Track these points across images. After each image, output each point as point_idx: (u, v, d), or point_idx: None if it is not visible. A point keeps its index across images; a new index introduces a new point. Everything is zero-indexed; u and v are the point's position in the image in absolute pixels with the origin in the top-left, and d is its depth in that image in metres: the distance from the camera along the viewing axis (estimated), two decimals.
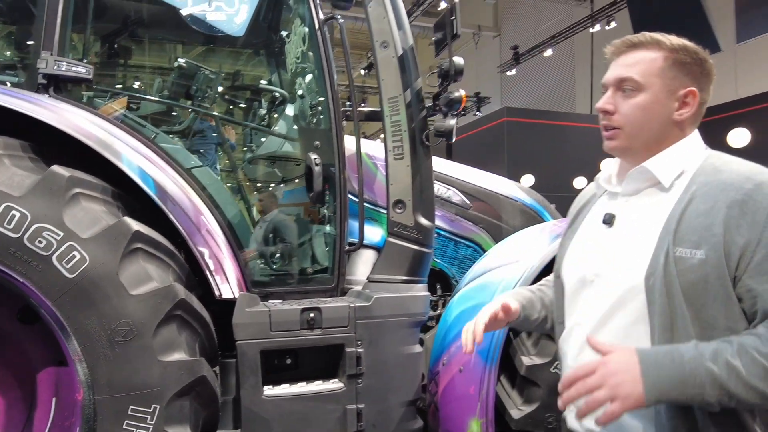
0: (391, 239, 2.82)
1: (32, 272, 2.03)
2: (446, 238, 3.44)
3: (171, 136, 3.05)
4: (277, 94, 3.55)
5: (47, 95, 2.46)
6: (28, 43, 2.69)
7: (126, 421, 2.10)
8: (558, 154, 12.76)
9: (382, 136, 2.87)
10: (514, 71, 19.27)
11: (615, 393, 1.19)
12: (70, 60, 2.53)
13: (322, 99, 2.98)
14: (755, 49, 12.91)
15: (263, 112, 3.63)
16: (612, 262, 1.41)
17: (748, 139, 10.47)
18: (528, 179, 12.05)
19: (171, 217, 2.43)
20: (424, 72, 2.94)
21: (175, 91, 3.30)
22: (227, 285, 2.53)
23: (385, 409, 2.65)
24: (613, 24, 14.85)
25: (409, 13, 15.09)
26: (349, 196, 2.88)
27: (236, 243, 2.63)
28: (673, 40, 1.41)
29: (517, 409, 2.63)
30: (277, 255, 3.00)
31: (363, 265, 2.92)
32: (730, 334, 1.24)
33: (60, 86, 2.51)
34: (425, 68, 3.11)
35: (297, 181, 3.22)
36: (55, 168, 2.11)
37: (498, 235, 3.47)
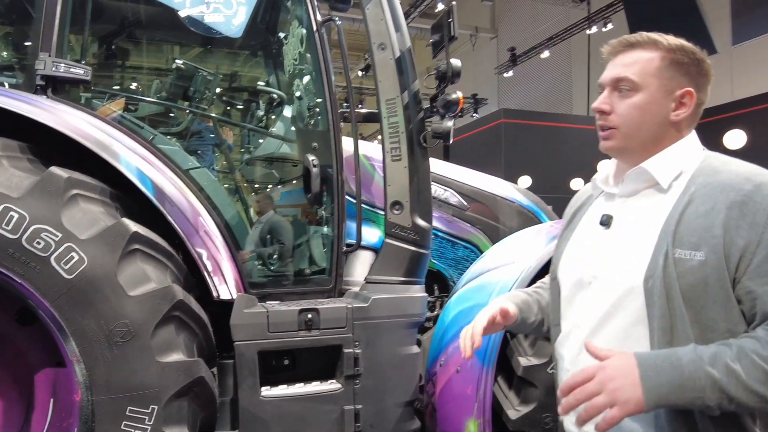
0: (388, 240, 2.82)
1: (30, 273, 2.03)
2: (443, 239, 3.45)
3: (169, 137, 3.05)
4: (274, 96, 3.55)
5: (45, 96, 2.46)
6: (26, 44, 2.69)
7: (124, 422, 2.10)
8: (555, 156, 12.77)
9: (379, 137, 2.88)
10: (511, 73, 19.31)
11: (614, 398, 1.17)
12: (68, 61, 2.53)
13: (319, 100, 2.99)
14: (751, 51, 12.96)
15: (261, 113, 3.63)
16: (609, 264, 1.40)
17: (744, 141, 10.51)
18: (525, 181, 12.07)
19: (169, 218, 2.43)
20: (422, 73, 2.95)
21: (173, 92, 3.30)
22: (225, 286, 2.54)
23: (383, 410, 2.65)
24: (609, 26, 14.90)
25: (407, 15, 15.11)
26: (347, 197, 2.89)
27: (234, 244, 2.63)
28: (671, 39, 1.40)
29: (514, 410, 2.64)
30: (275, 256, 3.01)
31: (360, 266, 2.93)
32: (729, 336, 1.23)
33: (58, 87, 2.51)
34: (422, 70, 3.12)
35: (295, 182, 3.23)
36: (54, 169, 2.11)
37: (495, 237, 3.48)
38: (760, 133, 10.36)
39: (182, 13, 2.90)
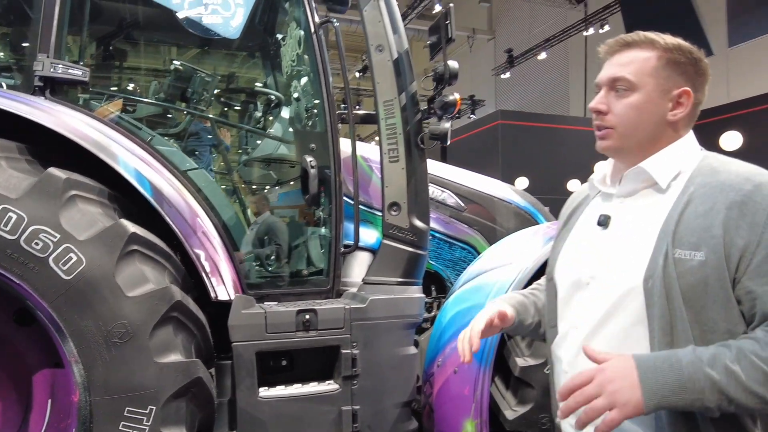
0: (386, 241, 2.83)
1: (29, 274, 2.04)
2: (441, 240, 3.45)
3: (167, 138, 3.05)
4: (272, 97, 3.56)
5: (43, 97, 2.46)
6: (25, 45, 2.69)
7: (122, 423, 2.10)
8: (552, 157, 12.80)
9: (377, 138, 2.89)
10: (508, 74, 19.34)
11: (613, 400, 1.16)
12: (66, 62, 2.53)
13: (317, 102, 3.00)
14: (747, 52, 13.01)
15: (259, 114, 3.64)
16: (607, 264, 1.39)
17: (740, 143, 10.54)
18: (522, 182, 12.09)
19: (167, 219, 2.44)
20: (419, 75, 2.96)
21: (171, 93, 3.30)
22: (223, 287, 2.54)
23: (380, 411, 2.66)
24: (606, 27, 14.93)
25: (404, 16, 15.12)
26: (345, 198, 2.90)
27: (232, 245, 2.64)
28: (667, 39, 1.39)
29: (512, 410, 2.65)
30: (273, 257, 3.01)
31: (358, 267, 2.94)
32: (729, 337, 1.22)
33: (56, 88, 2.52)
34: (420, 71, 3.13)
35: (292, 183, 3.23)
36: (52, 170, 2.12)
37: (492, 238, 3.49)
38: (756, 135, 10.40)
39: (180, 15, 2.90)
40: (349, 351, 2.61)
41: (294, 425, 2.52)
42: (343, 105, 3.24)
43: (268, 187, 3.56)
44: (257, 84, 3.84)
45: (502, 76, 19.65)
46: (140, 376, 2.11)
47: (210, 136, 3.36)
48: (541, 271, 2.37)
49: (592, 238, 1.48)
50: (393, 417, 2.69)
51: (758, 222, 1.22)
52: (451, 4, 2.75)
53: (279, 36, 3.41)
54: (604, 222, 1.45)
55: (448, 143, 2.85)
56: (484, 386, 2.53)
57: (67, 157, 2.33)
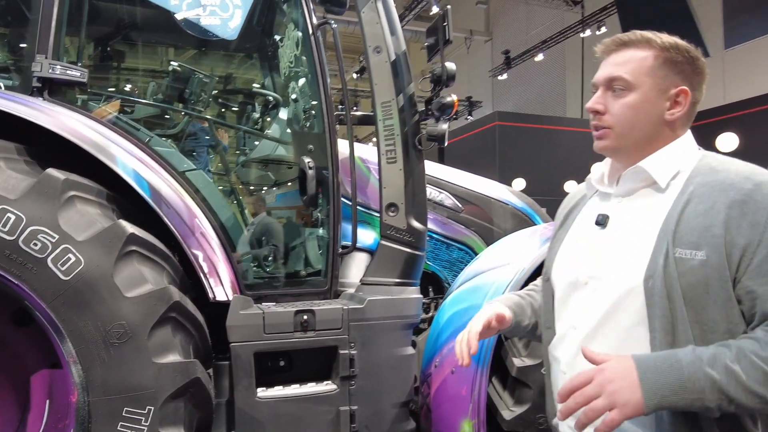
0: (384, 242, 2.84)
1: (27, 274, 2.04)
2: (438, 241, 3.46)
3: (165, 139, 3.06)
4: (270, 98, 3.56)
5: (42, 98, 2.47)
6: (23, 46, 2.69)
7: (120, 423, 2.10)
8: (549, 158, 12.84)
9: (374, 139, 2.90)
10: (505, 76, 19.38)
11: (613, 400, 1.15)
12: (64, 63, 2.54)
13: (315, 103, 3.01)
14: (742, 54, 13.06)
15: (257, 115, 3.65)
16: (606, 264, 1.38)
17: (736, 144, 10.59)
18: (519, 183, 12.13)
19: (165, 219, 2.44)
20: (417, 77, 2.97)
21: (169, 94, 3.31)
22: (221, 287, 2.55)
23: (378, 411, 2.67)
24: (603, 29, 14.98)
25: (401, 18, 15.13)
26: (342, 199, 2.90)
27: (230, 246, 2.64)
28: (664, 38, 1.38)
29: (509, 410, 2.66)
30: (271, 258, 3.01)
31: (356, 267, 2.94)
32: (729, 337, 1.22)
33: (54, 89, 2.52)
34: (417, 72, 3.14)
35: (290, 184, 3.24)
36: (51, 171, 2.12)
37: (489, 238, 3.50)
38: (752, 136, 10.45)
39: (178, 16, 2.91)
40: (347, 351, 2.61)
41: (292, 426, 2.52)
42: (340, 106, 3.25)
43: (266, 188, 3.57)
44: (255, 85, 3.84)
45: (499, 78, 19.69)
46: (139, 377, 2.11)
47: (208, 137, 3.36)
48: (538, 272, 2.38)
49: (590, 237, 1.47)
50: (391, 417, 2.70)
51: (759, 221, 1.21)
52: (449, 6, 2.77)
53: (277, 37, 3.41)
54: (602, 221, 1.44)
55: (446, 144, 2.86)
56: (481, 386, 2.54)
57: (66, 158, 2.33)
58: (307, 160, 2.80)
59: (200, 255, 2.51)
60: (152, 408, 2.12)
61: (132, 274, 2.16)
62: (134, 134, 2.62)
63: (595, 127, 1.43)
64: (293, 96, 3.22)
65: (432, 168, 3.50)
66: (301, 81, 3.16)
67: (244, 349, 2.49)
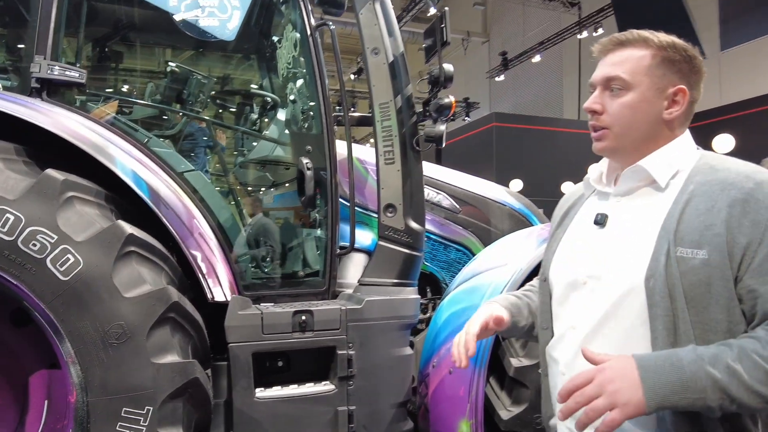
0: (381, 243, 2.85)
1: (26, 275, 2.04)
2: (436, 241, 3.47)
3: (163, 140, 3.06)
4: (268, 99, 3.57)
5: (40, 99, 2.47)
6: (21, 47, 2.69)
7: (119, 423, 2.10)
8: (546, 159, 12.86)
9: (372, 140, 2.91)
10: (502, 77, 19.42)
11: (614, 400, 1.14)
12: (63, 64, 2.54)
13: (313, 104, 3.01)
14: (739, 56, 13.11)
15: (255, 116, 3.65)
16: (605, 264, 1.37)
17: (732, 145, 10.63)
18: (516, 184, 12.15)
19: (164, 220, 2.44)
20: (414, 77, 2.98)
21: (167, 95, 3.31)
22: (219, 288, 2.55)
23: (376, 411, 2.67)
24: (600, 30, 15.03)
25: (399, 19, 15.15)
26: (341, 200, 2.91)
27: (228, 246, 2.65)
28: (661, 37, 1.37)
29: (506, 410, 2.67)
30: (269, 258, 3.02)
31: (354, 268, 2.95)
32: (729, 336, 1.21)
33: (53, 90, 2.52)
34: (415, 73, 3.15)
35: (288, 185, 3.25)
36: (50, 171, 2.12)
37: (487, 239, 3.51)
38: (748, 138, 10.48)
39: (177, 17, 2.91)
40: (345, 352, 2.62)
41: (290, 426, 2.53)
42: (338, 107, 3.26)
43: (264, 189, 3.57)
44: (253, 86, 3.85)
45: (497, 79, 19.73)
46: (137, 377, 2.11)
47: (206, 138, 3.37)
48: (535, 273, 2.38)
49: (589, 237, 1.46)
50: (389, 417, 2.70)
51: (760, 220, 1.21)
52: (446, 8, 2.78)
53: (275, 38, 3.42)
54: (601, 221, 1.43)
55: (443, 145, 2.87)
56: (479, 387, 2.55)
57: (65, 158, 2.34)
58: (305, 160, 2.81)
59: (199, 255, 2.51)
60: (151, 408, 2.12)
61: (131, 275, 2.16)
62: (133, 135, 2.63)
63: (593, 127, 1.43)
64: (291, 97, 3.23)
65: (430, 169, 3.51)
66: (299, 82, 3.17)
67: (242, 349, 2.49)
